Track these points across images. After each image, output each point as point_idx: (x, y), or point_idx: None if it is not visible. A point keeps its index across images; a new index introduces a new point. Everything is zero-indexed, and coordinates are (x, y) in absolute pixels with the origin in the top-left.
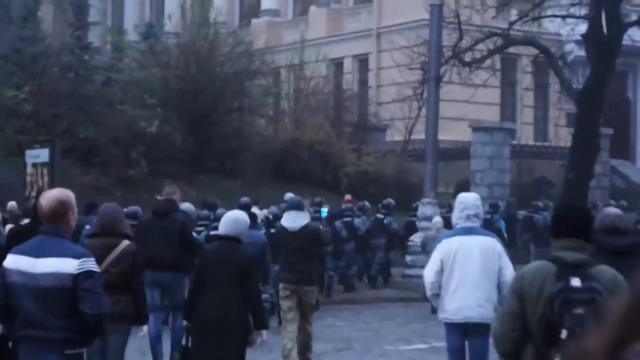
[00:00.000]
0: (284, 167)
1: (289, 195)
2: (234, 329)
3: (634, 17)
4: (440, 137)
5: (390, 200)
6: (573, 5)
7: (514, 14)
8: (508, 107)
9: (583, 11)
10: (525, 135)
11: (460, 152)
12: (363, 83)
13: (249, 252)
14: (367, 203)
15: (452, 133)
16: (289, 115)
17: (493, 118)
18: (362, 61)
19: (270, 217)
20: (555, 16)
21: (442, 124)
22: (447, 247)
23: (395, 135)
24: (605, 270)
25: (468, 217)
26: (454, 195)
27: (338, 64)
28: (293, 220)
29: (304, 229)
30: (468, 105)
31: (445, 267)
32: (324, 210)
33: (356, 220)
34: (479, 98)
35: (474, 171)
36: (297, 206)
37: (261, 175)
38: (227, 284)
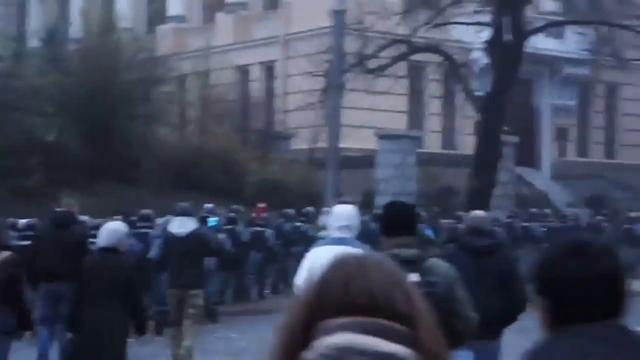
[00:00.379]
0: (187, 175)
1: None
2: (114, 337)
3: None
4: (347, 145)
5: (310, 209)
6: (477, 12)
7: (420, 20)
8: (416, 115)
9: (488, 18)
10: (433, 143)
11: (366, 161)
12: (270, 90)
13: (129, 262)
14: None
15: (358, 141)
16: (194, 123)
17: (400, 126)
18: (269, 68)
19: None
20: (459, 23)
21: (348, 132)
22: (315, 256)
23: (300, 143)
24: (438, 263)
25: (340, 228)
26: (361, 205)
27: (245, 71)
28: (181, 226)
29: (192, 234)
30: (375, 113)
31: (312, 276)
32: (212, 220)
33: (267, 232)
34: (386, 106)
35: (380, 179)
36: (185, 212)
37: (164, 183)
38: (107, 294)
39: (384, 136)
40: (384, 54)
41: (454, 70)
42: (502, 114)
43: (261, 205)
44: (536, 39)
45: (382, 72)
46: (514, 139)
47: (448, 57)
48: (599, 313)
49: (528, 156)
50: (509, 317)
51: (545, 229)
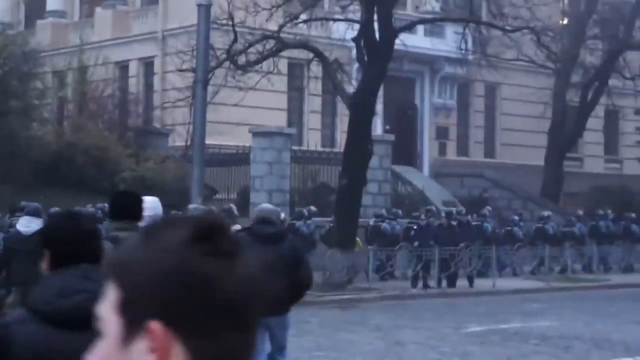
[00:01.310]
0: (59, 172)
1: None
2: None
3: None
4: (222, 142)
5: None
6: (343, 8)
7: (290, 15)
8: (295, 113)
9: (357, 15)
10: (313, 141)
11: (242, 158)
12: (149, 87)
13: None
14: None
15: (234, 138)
16: (70, 118)
17: (280, 124)
18: (148, 64)
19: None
20: (327, 19)
21: (224, 129)
22: None
23: (177, 140)
24: None
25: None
26: (238, 203)
27: (124, 67)
28: (27, 225)
29: (36, 234)
30: (255, 111)
31: None
32: None
33: None
34: (265, 103)
35: (254, 177)
36: (33, 212)
37: (35, 180)
38: None
39: (257, 133)
40: (258, 50)
41: (325, 66)
42: (371, 111)
43: None
44: (417, 38)
45: (253, 68)
46: (390, 137)
47: (318, 54)
48: (84, 260)
49: (408, 155)
50: (296, 294)
51: (416, 227)
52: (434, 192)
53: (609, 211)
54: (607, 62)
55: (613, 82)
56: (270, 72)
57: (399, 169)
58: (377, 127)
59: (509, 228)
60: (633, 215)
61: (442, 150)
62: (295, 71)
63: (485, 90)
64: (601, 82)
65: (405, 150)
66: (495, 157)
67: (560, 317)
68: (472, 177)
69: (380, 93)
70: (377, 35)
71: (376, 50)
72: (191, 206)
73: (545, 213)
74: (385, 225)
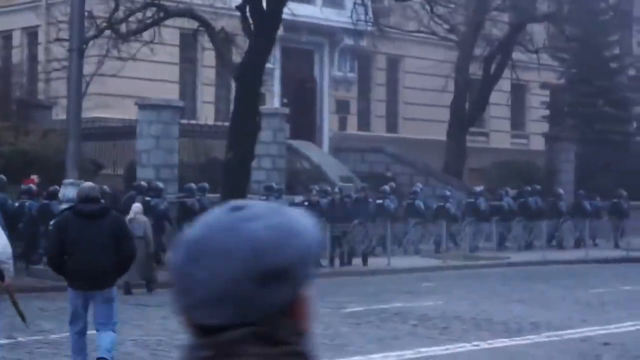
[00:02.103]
0: None
1: None
2: None
3: None
4: (109, 115)
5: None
6: None
7: None
8: (188, 86)
9: None
10: (207, 115)
11: (128, 132)
12: (33, 57)
13: None
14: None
15: (121, 111)
16: None
17: (172, 96)
18: (32, 34)
19: None
20: None
21: (111, 102)
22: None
23: (60, 113)
24: None
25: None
26: (125, 178)
27: (7, 36)
28: None
29: None
30: (143, 83)
31: None
32: None
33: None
34: (156, 75)
35: (140, 151)
36: None
37: None
38: None
39: (144, 106)
40: (139, 18)
41: (212, 36)
42: (258, 83)
43: (32, 177)
44: (314, 8)
45: (135, 38)
46: (285, 110)
47: (204, 23)
48: None
49: (307, 129)
50: (121, 268)
51: (306, 203)
52: (331, 168)
53: (508, 189)
54: (511, 35)
55: (518, 55)
56: (153, 42)
57: (296, 143)
58: (275, 100)
59: (411, 201)
60: (533, 188)
61: (343, 124)
62: (188, 42)
63: (387, 63)
64: (505, 55)
65: (304, 125)
66: (397, 132)
67: (448, 296)
68: (373, 152)
69: (278, 65)
70: (264, 3)
71: (263, 20)
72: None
73: (447, 192)
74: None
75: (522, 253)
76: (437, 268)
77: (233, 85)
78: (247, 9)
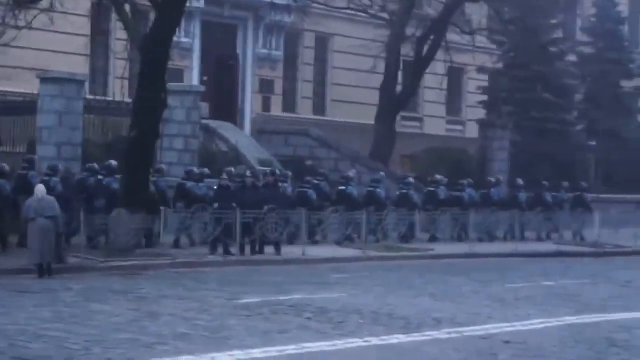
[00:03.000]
0: None
1: None
2: None
3: None
4: (8, 88)
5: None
6: None
7: None
8: (100, 59)
9: None
10: (121, 91)
11: (30, 107)
12: None
13: None
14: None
15: (22, 84)
16: None
17: (83, 70)
18: None
19: None
20: None
21: (10, 74)
22: None
23: None
24: None
25: None
26: (25, 156)
27: None
28: None
29: None
30: (50, 55)
31: None
32: None
33: None
34: (64, 47)
35: (41, 128)
36: None
37: None
38: None
39: (46, 79)
40: None
41: (117, 6)
42: (164, 57)
43: None
44: None
45: (35, 5)
46: (200, 88)
47: None
48: None
49: (228, 109)
50: None
51: (216, 187)
52: (250, 151)
53: (439, 176)
54: (446, 15)
55: (453, 37)
56: (53, 10)
57: (214, 124)
58: (194, 77)
59: (343, 188)
60: (465, 182)
61: (266, 105)
62: (100, 13)
63: (316, 42)
64: (438, 35)
65: (225, 105)
66: (325, 115)
67: (356, 289)
68: (297, 135)
69: (198, 40)
70: None
71: None
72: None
73: (378, 177)
74: (191, 184)
75: (448, 245)
76: (355, 259)
77: None
78: None
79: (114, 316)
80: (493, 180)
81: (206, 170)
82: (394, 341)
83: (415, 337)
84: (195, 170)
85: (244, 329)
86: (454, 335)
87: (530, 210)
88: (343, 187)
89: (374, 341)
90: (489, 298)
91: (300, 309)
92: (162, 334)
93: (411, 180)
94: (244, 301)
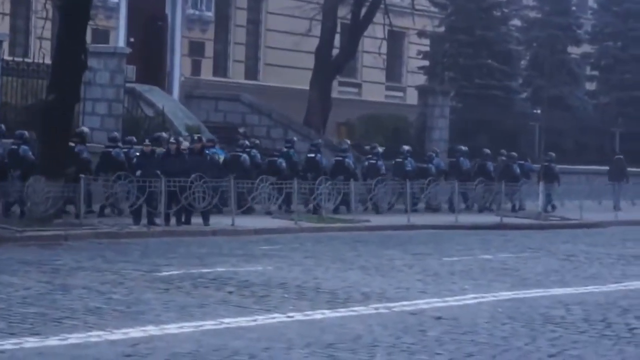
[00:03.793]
0: None
1: None
2: None
3: None
4: None
5: None
6: None
7: None
8: (21, 18)
9: None
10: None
11: None
12: None
13: None
14: None
15: None
16: None
17: (2, 30)
18: None
19: None
20: None
21: None
22: None
23: None
24: None
25: None
26: None
27: None
28: None
29: None
30: None
31: None
32: None
33: None
34: None
35: None
36: None
37: None
38: None
39: None
40: None
41: None
42: (84, 15)
43: None
44: None
45: None
46: (125, 49)
47: None
48: None
49: (156, 73)
50: None
51: (138, 154)
52: (178, 116)
53: (377, 146)
54: None
55: None
56: None
57: (140, 87)
58: (120, 38)
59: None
60: (406, 148)
61: (196, 69)
62: None
63: (249, 3)
64: None
65: (153, 68)
66: (257, 79)
67: (283, 261)
68: (228, 100)
69: (124, 1)
70: None
71: None
72: None
73: (316, 142)
74: (117, 151)
75: (383, 216)
76: (286, 230)
77: None
78: None
79: (23, 289)
80: (432, 154)
81: (134, 139)
82: (318, 316)
83: (341, 312)
84: (118, 135)
85: (161, 303)
86: (382, 311)
87: (473, 180)
88: (312, 155)
89: (297, 316)
90: (423, 272)
91: (222, 282)
92: (73, 308)
93: (346, 148)
94: (164, 274)
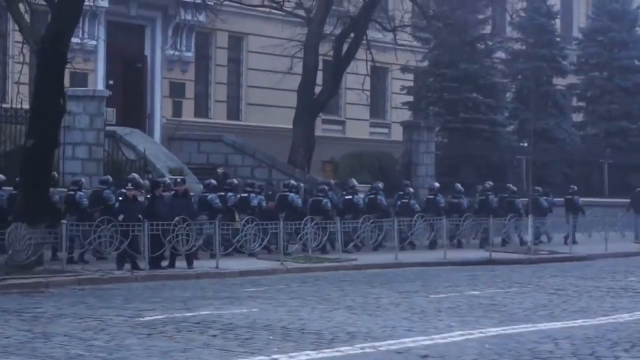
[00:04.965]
0: None
1: None
2: None
3: None
4: None
5: None
6: None
7: None
8: None
9: None
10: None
11: None
12: None
13: None
14: None
15: None
16: None
17: None
18: None
19: None
20: None
21: None
22: None
23: None
24: None
25: None
26: None
27: None
28: None
29: None
30: None
31: None
32: None
33: None
34: None
35: None
36: None
37: None
38: None
39: None
40: None
41: (9, 5)
42: (62, 59)
43: None
44: None
45: None
46: (104, 92)
47: None
48: None
49: (136, 115)
50: None
51: (121, 198)
52: (160, 158)
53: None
54: (365, 11)
55: (375, 34)
56: None
57: (120, 130)
58: (99, 81)
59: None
60: (379, 185)
61: (177, 110)
62: None
63: (229, 41)
64: (358, 33)
65: (133, 110)
66: (240, 119)
67: (268, 303)
68: (211, 141)
69: (102, 42)
70: None
71: None
72: None
73: (292, 182)
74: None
75: (370, 255)
76: (272, 271)
77: None
78: None
79: (3, 338)
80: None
81: (109, 179)
82: (303, 357)
83: (326, 353)
84: (83, 179)
85: (143, 348)
86: (367, 350)
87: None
88: (349, 197)
89: (282, 358)
90: (409, 310)
91: (206, 326)
92: (53, 356)
93: (327, 187)
94: (147, 318)
